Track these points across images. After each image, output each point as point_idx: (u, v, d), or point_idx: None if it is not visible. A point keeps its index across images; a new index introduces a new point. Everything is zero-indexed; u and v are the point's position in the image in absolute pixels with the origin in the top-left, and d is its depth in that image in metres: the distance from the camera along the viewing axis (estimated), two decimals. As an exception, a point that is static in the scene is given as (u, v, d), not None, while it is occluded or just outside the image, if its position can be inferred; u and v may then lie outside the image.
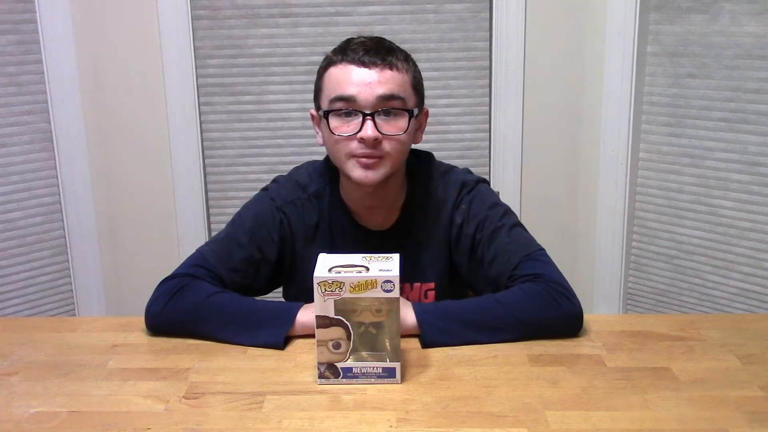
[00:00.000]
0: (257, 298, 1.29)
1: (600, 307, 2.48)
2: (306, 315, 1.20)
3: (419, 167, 1.38)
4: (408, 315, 1.19)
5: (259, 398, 1.03)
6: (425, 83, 1.33)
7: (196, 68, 2.40)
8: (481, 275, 1.32)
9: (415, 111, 1.26)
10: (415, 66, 1.29)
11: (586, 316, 1.24)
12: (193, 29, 2.38)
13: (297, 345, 1.18)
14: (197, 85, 2.42)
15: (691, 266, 2.34)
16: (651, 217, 2.41)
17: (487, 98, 2.44)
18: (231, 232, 1.35)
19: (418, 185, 1.36)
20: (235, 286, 1.30)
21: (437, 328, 1.19)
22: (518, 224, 1.34)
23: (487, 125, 2.45)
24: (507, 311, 1.20)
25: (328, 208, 1.35)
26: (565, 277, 1.26)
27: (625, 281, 2.48)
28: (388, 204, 1.34)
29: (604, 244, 2.46)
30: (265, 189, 1.39)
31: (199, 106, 2.44)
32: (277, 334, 1.19)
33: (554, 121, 2.44)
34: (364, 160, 1.23)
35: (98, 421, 0.99)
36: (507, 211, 1.35)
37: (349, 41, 1.27)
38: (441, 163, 1.41)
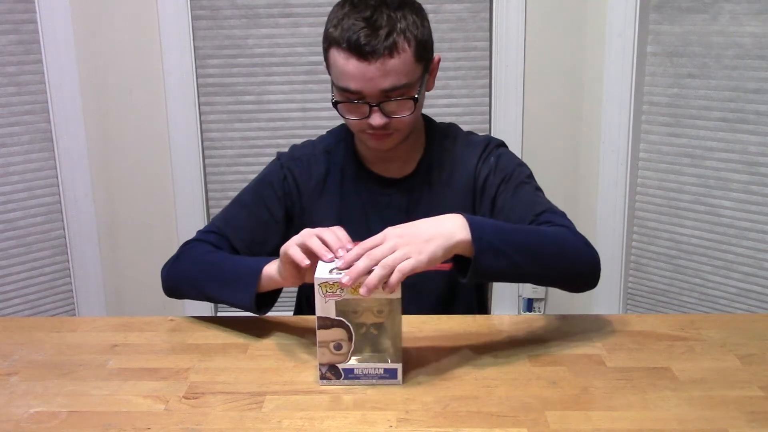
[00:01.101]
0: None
1: (600, 307, 2.48)
2: (271, 268, 1.18)
3: (440, 125, 1.40)
4: (457, 226, 1.06)
5: (259, 398, 1.03)
6: None
7: (196, 68, 2.40)
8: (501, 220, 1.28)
9: (422, 86, 1.25)
10: (420, 23, 1.22)
11: (586, 316, 1.25)
12: (193, 29, 2.38)
13: (297, 345, 1.18)
14: (197, 85, 2.42)
15: (691, 266, 2.34)
16: (651, 217, 2.40)
17: (487, 98, 2.43)
18: (239, 196, 1.40)
19: (438, 140, 1.37)
20: (244, 248, 1.32)
21: (491, 245, 1.06)
22: (541, 190, 1.34)
23: (487, 125, 2.45)
24: (551, 237, 1.16)
25: (342, 159, 1.37)
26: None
27: (625, 281, 2.47)
28: (405, 153, 1.35)
29: (604, 244, 2.45)
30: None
31: (199, 106, 2.44)
32: (247, 293, 1.17)
33: (554, 121, 2.44)
34: (375, 137, 1.26)
35: (98, 421, 0.99)
36: (532, 175, 1.36)
37: (348, 13, 1.21)
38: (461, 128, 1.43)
